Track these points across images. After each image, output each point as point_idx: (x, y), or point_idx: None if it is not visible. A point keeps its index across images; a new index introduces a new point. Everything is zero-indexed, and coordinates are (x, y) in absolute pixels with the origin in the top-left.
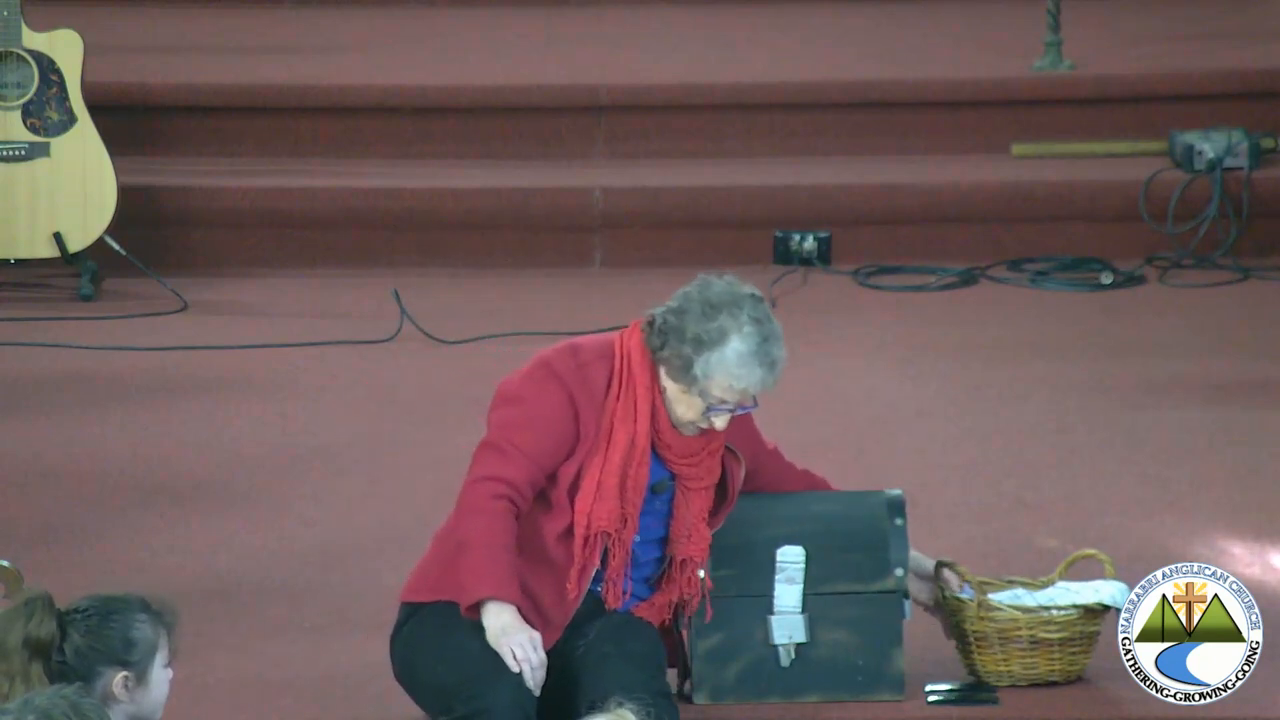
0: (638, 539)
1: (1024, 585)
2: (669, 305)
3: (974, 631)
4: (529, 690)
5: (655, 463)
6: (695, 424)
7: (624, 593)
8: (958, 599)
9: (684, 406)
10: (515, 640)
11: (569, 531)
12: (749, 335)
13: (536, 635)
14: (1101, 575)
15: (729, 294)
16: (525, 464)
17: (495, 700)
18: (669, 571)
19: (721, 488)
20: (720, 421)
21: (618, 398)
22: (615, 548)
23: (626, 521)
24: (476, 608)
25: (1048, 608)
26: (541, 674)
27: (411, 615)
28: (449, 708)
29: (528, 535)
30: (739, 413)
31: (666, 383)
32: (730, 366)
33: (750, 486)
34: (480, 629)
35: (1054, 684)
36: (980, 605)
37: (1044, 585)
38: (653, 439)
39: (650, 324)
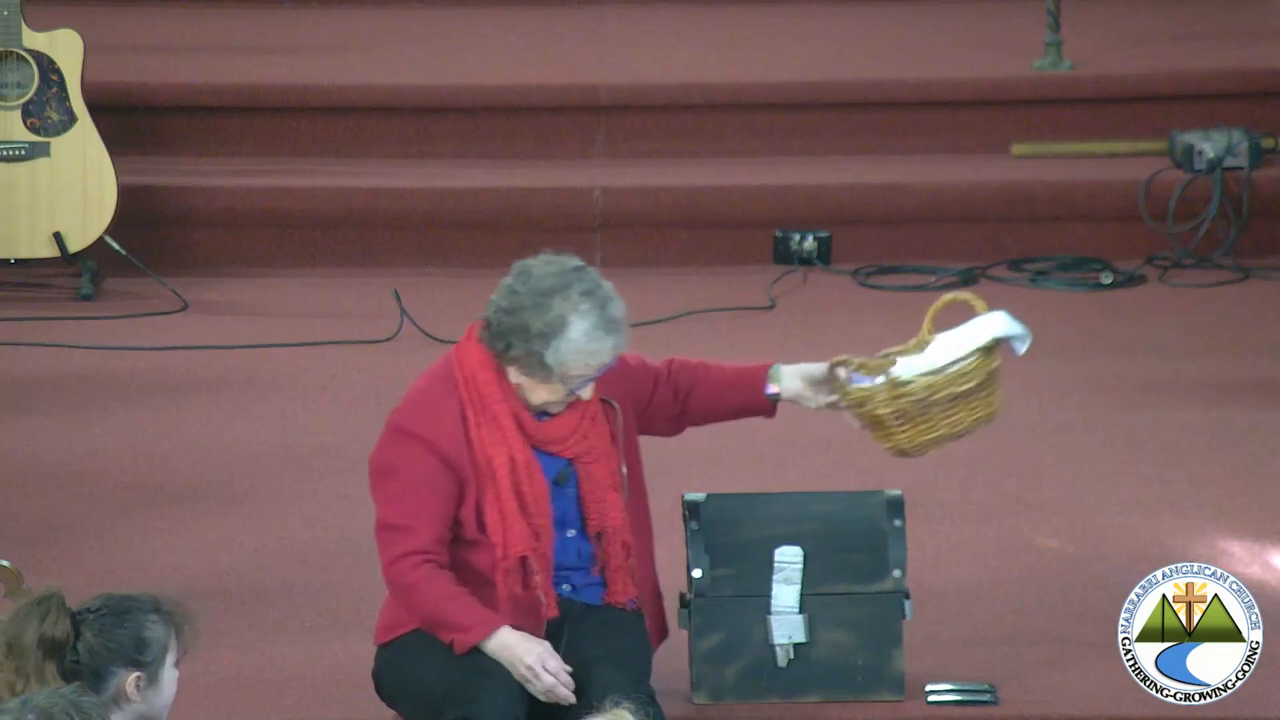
0: (572, 533)
1: (901, 354)
2: (498, 304)
3: (892, 413)
4: (518, 693)
5: (548, 459)
6: (563, 401)
7: (558, 599)
8: (861, 389)
9: (548, 391)
10: (529, 661)
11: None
12: (587, 311)
13: (544, 644)
14: (970, 317)
15: (554, 276)
16: (426, 527)
17: (484, 704)
18: (596, 549)
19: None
20: (586, 392)
21: (479, 426)
22: (537, 562)
23: (539, 535)
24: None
25: (955, 363)
26: (565, 679)
27: (389, 647)
28: (439, 713)
29: (466, 576)
30: (599, 375)
31: (521, 379)
32: (580, 346)
33: (676, 409)
34: None
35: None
36: (892, 385)
37: (920, 346)
38: (530, 442)
39: (487, 329)
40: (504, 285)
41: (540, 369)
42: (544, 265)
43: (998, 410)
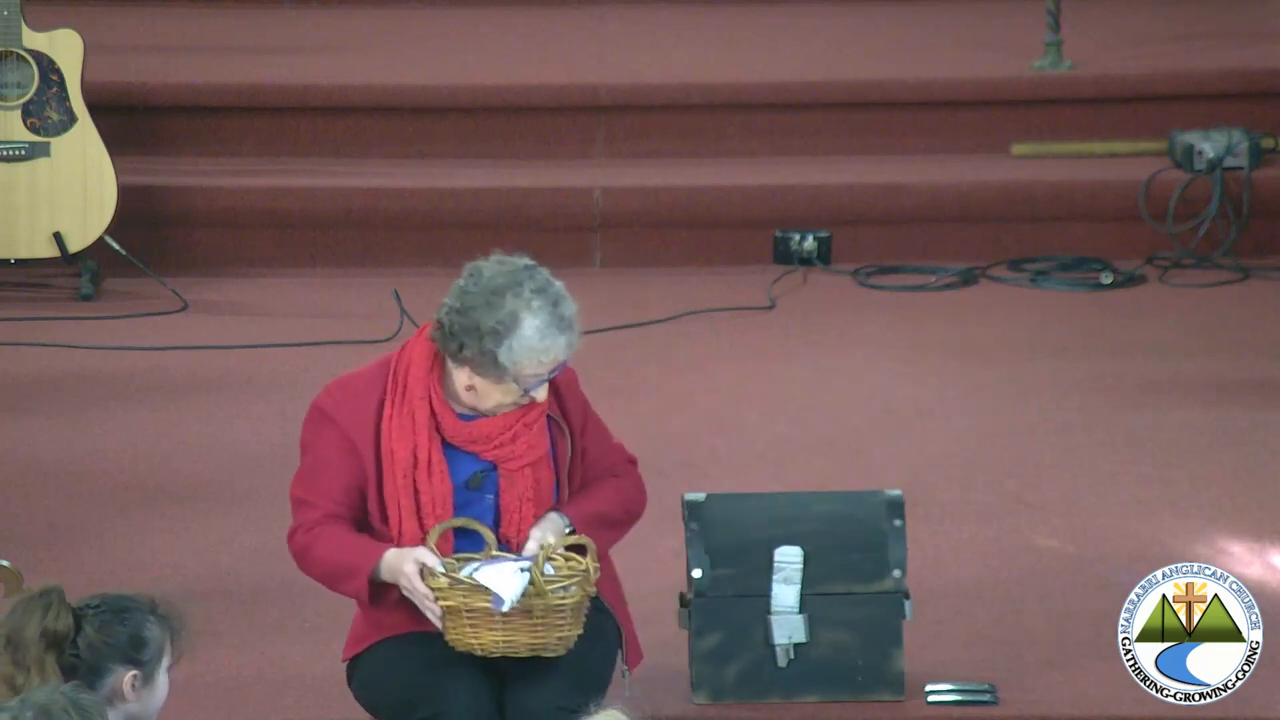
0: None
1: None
2: (450, 305)
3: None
4: (486, 687)
5: (467, 459)
6: (517, 403)
7: None
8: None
9: (502, 393)
10: (404, 584)
11: None
12: (539, 309)
13: (411, 562)
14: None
15: (505, 275)
16: (325, 505)
17: (453, 702)
18: None
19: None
20: (540, 393)
21: (392, 417)
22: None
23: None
24: (380, 590)
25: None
26: (429, 604)
27: (356, 661)
28: (410, 713)
29: None
30: (552, 376)
31: (475, 380)
32: (533, 344)
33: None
34: (423, 642)
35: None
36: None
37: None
38: (450, 438)
39: (439, 329)
40: (455, 286)
41: (493, 368)
42: (495, 265)
43: (486, 648)
